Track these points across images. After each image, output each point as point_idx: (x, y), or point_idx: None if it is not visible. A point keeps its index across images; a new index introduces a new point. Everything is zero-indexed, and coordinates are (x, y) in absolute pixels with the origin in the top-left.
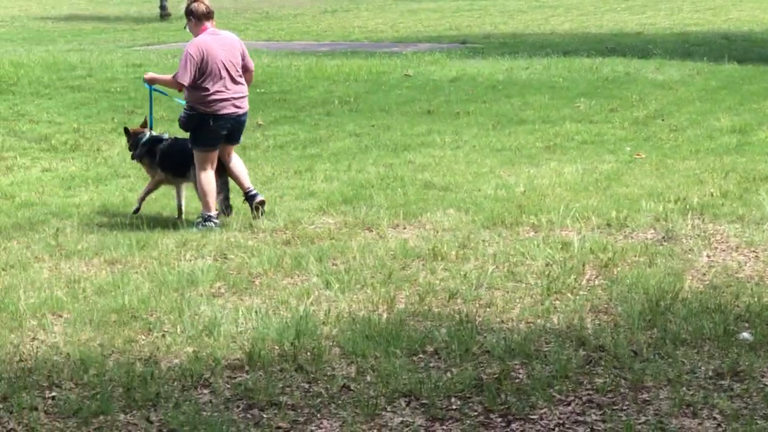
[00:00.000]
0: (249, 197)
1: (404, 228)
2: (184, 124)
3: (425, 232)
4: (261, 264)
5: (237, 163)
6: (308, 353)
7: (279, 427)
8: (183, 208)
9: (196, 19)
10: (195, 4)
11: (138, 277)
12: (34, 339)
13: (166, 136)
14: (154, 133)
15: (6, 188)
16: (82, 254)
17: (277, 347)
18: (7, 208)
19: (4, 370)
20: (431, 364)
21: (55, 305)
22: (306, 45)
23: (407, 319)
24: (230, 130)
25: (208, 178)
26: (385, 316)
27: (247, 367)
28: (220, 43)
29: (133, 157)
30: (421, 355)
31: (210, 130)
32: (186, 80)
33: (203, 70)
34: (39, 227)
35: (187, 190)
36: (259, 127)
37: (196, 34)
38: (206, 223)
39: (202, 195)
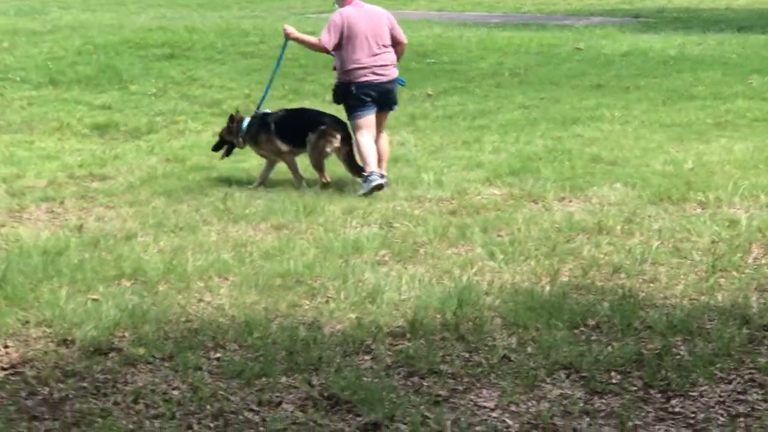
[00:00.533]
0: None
1: (570, 201)
2: (335, 97)
3: (591, 205)
4: (426, 233)
5: (383, 142)
6: (470, 323)
7: (438, 395)
8: (264, 181)
9: None
10: None
11: (304, 243)
12: (200, 300)
13: (268, 111)
14: (259, 112)
15: (178, 151)
16: (250, 219)
17: (439, 316)
18: (178, 171)
19: (171, 330)
20: (592, 338)
21: (222, 268)
22: (477, 16)
23: (570, 292)
24: (374, 97)
25: (366, 142)
26: (547, 288)
27: (408, 335)
28: (364, 14)
29: (239, 144)
30: (582, 329)
31: (353, 97)
32: (329, 44)
33: (345, 39)
34: (208, 191)
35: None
36: (428, 98)
37: (341, 7)
38: (369, 178)
39: (362, 158)
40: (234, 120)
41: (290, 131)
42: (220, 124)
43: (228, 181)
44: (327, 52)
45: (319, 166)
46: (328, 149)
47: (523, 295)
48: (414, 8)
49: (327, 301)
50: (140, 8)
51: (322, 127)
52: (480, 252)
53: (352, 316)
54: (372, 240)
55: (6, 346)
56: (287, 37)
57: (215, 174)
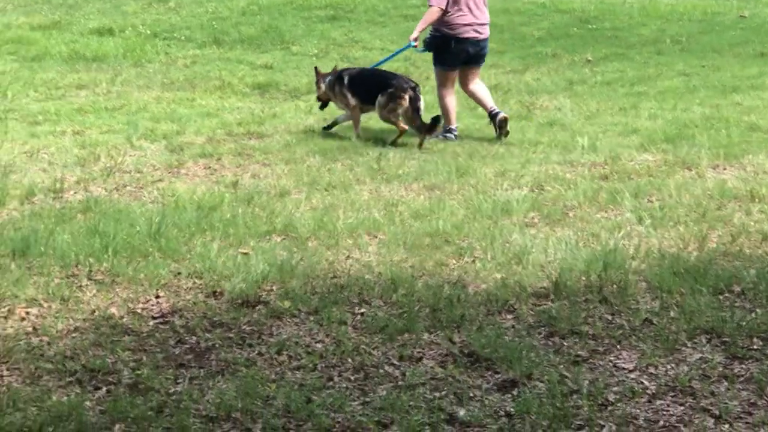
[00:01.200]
0: (492, 116)
1: (724, 169)
2: (429, 44)
3: (745, 173)
4: (576, 197)
5: (479, 86)
6: (614, 286)
7: (578, 356)
8: (334, 127)
9: None
10: None
11: (454, 204)
12: (348, 257)
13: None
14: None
15: (336, 112)
16: (402, 179)
17: (583, 278)
18: (335, 130)
19: (317, 285)
20: (736, 304)
21: (372, 226)
22: None
23: (717, 258)
24: (470, 53)
25: (449, 95)
26: (695, 254)
27: (552, 296)
28: None
29: (318, 98)
30: (726, 294)
31: (451, 51)
32: (443, 4)
33: None
34: (363, 151)
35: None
36: (587, 63)
37: None
38: (447, 134)
39: (443, 111)
40: (318, 74)
41: (361, 89)
42: None
43: (382, 142)
44: (442, 12)
45: (392, 122)
46: (399, 111)
47: (669, 259)
48: None
49: (473, 261)
50: None
51: (391, 90)
52: (629, 216)
53: (497, 276)
54: (522, 202)
55: (157, 296)
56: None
57: (370, 135)
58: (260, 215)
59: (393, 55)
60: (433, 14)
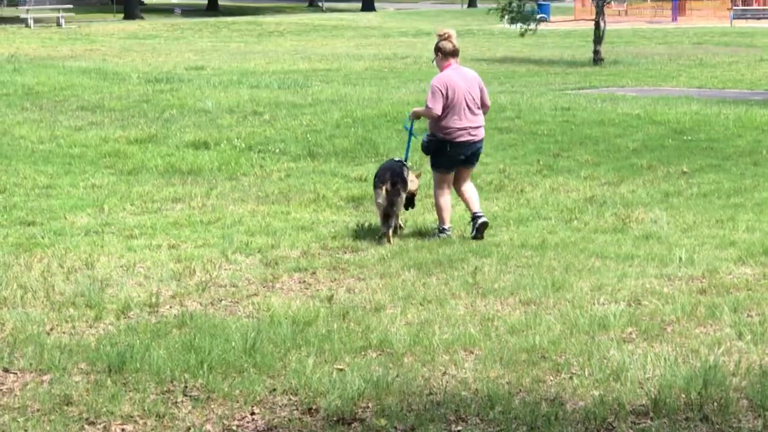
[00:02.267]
0: (474, 217)
1: None
2: (425, 148)
3: None
4: (674, 311)
5: (469, 187)
6: (714, 404)
7: None
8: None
9: (443, 55)
10: (443, 42)
11: (550, 318)
12: (444, 373)
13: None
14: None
15: (431, 225)
16: (498, 293)
17: (683, 396)
18: (429, 244)
19: (413, 401)
20: None
21: (468, 341)
22: (738, 93)
23: None
24: (466, 155)
25: (444, 196)
26: None
27: (651, 414)
28: (462, 77)
29: None
30: None
31: (447, 155)
32: (438, 110)
33: (447, 102)
34: (458, 264)
35: None
36: (683, 175)
37: (441, 69)
38: (441, 234)
39: (438, 211)
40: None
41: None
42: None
43: (478, 255)
44: (437, 118)
45: (379, 216)
46: (378, 200)
47: None
48: (673, 84)
49: (571, 378)
50: (400, 82)
51: (375, 179)
52: (728, 332)
53: (596, 393)
54: (619, 317)
55: (253, 413)
56: (412, 118)
57: (466, 248)
58: (355, 330)
59: (408, 145)
60: (426, 111)
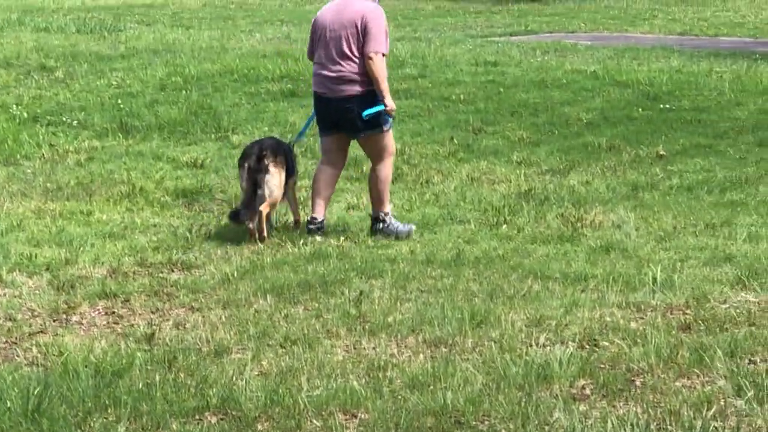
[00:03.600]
0: (308, 221)
1: None
2: None
3: None
4: (646, 356)
5: (329, 177)
6: None
7: None
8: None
9: None
10: None
11: (468, 367)
12: None
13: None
14: None
15: (293, 235)
16: (393, 330)
17: None
18: (293, 258)
19: None
20: None
21: (349, 400)
22: (736, 42)
23: None
24: (332, 119)
25: (317, 173)
26: None
27: None
28: (336, 12)
29: None
30: None
31: (316, 110)
32: (308, 53)
33: (312, 40)
34: (336, 288)
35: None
36: (659, 159)
37: None
38: (308, 229)
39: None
40: None
41: None
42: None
43: (365, 274)
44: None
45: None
46: (242, 182)
47: None
48: (645, 30)
49: None
50: (253, 24)
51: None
52: (723, 385)
53: None
54: (567, 365)
55: None
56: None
57: (346, 265)
58: (187, 384)
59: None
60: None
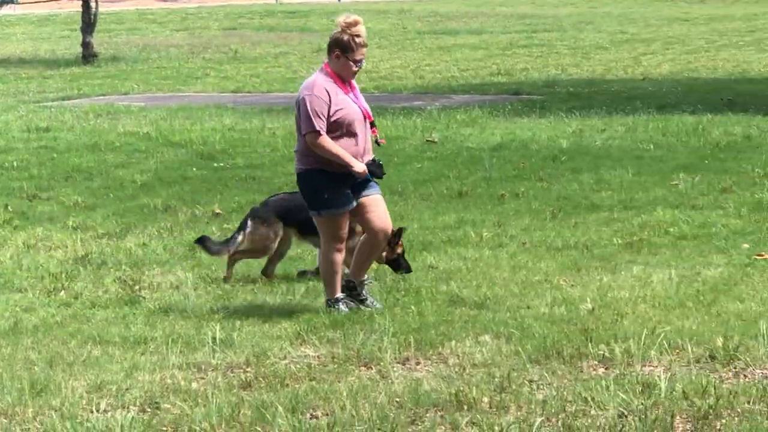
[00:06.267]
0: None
1: (417, 363)
2: None
3: (447, 368)
4: (208, 417)
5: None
6: None
7: None
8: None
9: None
10: None
11: None
12: None
13: None
14: None
15: None
16: None
17: None
18: None
19: None
20: None
21: None
22: (290, 97)
23: None
24: None
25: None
26: None
27: None
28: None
29: None
30: None
31: None
32: None
33: None
34: None
35: None
36: (215, 217)
37: None
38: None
39: None
40: None
41: None
42: None
43: None
44: None
45: None
46: None
47: None
48: (199, 89)
49: None
50: None
51: None
52: None
53: None
54: (129, 429)
55: None
56: None
57: None
58: None
59: None
60: None
